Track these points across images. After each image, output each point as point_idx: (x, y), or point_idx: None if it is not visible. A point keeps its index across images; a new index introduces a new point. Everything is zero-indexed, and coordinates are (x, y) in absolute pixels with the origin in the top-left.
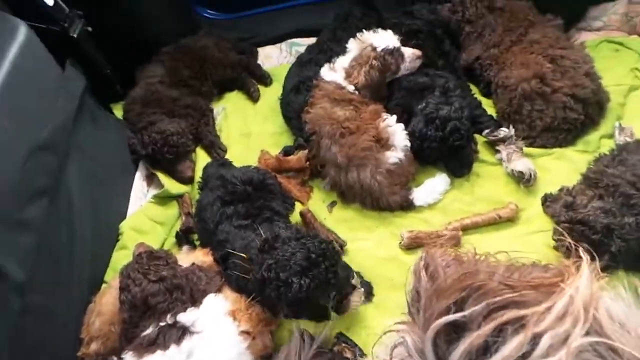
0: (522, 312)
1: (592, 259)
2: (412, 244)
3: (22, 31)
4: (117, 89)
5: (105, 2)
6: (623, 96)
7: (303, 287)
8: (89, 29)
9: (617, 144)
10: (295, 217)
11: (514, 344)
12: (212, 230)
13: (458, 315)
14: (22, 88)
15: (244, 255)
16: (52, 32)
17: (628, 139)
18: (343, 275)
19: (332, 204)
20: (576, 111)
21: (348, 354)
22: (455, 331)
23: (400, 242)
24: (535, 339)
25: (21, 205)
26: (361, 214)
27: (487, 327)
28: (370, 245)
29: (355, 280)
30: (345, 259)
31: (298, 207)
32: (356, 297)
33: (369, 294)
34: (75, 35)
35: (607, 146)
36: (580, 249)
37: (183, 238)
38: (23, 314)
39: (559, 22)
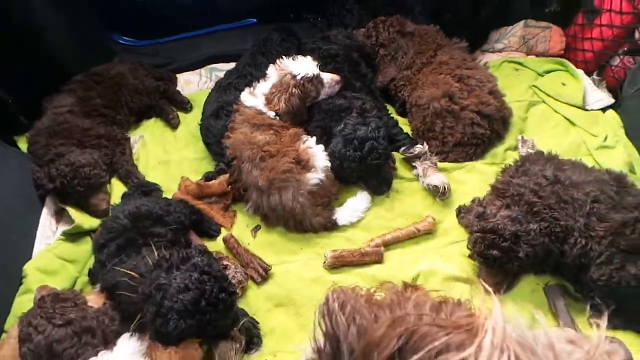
0: (462, 354)
1: (500, 266)
2: (336, 263)
3: None
4: (20, 121)
5: (6, 28)
6: (524, 111)
7: (177, 330)
8: None
9: (521, 155)
10: (218, 243)
11: None
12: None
13: None
14: None
15: (133, 273)
16: None
17: (530, 150)
18: (226, 324)
19: (256, 228)
20: (483, 126)
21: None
22: None
23: (324, 262)
24: None
25: None
26: (285, 237)
27: None
28: (295, 267)
29: (236, 333)
30: (270, 282)
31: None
32: (224, 348)
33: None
34: None
35: (512, 158)
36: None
37: None
38: None
39: (464, 45)
